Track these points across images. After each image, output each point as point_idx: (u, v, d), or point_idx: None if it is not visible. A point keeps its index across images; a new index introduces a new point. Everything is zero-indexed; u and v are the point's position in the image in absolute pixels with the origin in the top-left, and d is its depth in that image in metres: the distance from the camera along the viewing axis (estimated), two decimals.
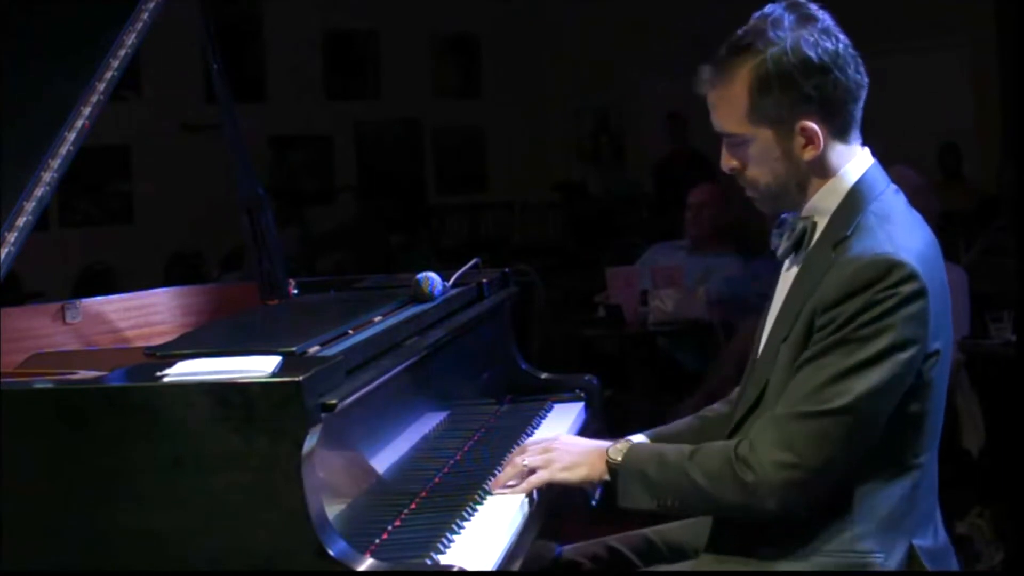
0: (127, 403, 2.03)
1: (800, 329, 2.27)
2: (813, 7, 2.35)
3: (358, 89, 12.59)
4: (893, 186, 2.39)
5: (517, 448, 2.61)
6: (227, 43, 3.08)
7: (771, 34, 2.29)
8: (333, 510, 2.08)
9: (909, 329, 2.20)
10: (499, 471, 2.51)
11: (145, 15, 2.68)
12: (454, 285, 3.02)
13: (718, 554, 2.37)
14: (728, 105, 2.34)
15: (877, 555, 2.26)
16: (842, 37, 2.33)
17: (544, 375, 3.38)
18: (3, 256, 2.34)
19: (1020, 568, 4.15)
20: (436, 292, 2.88)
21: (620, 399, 5.76)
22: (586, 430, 3.05)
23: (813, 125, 2.30)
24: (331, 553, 1.96)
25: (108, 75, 2.61)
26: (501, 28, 12.88)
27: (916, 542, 2.29)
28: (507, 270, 3.42)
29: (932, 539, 2.34)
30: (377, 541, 2.20)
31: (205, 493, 1.99)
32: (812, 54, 2.28)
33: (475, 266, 3.17)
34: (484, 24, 12.95)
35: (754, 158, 2.35)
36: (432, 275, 2.90)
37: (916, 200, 4.91)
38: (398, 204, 11.81)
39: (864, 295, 2.20)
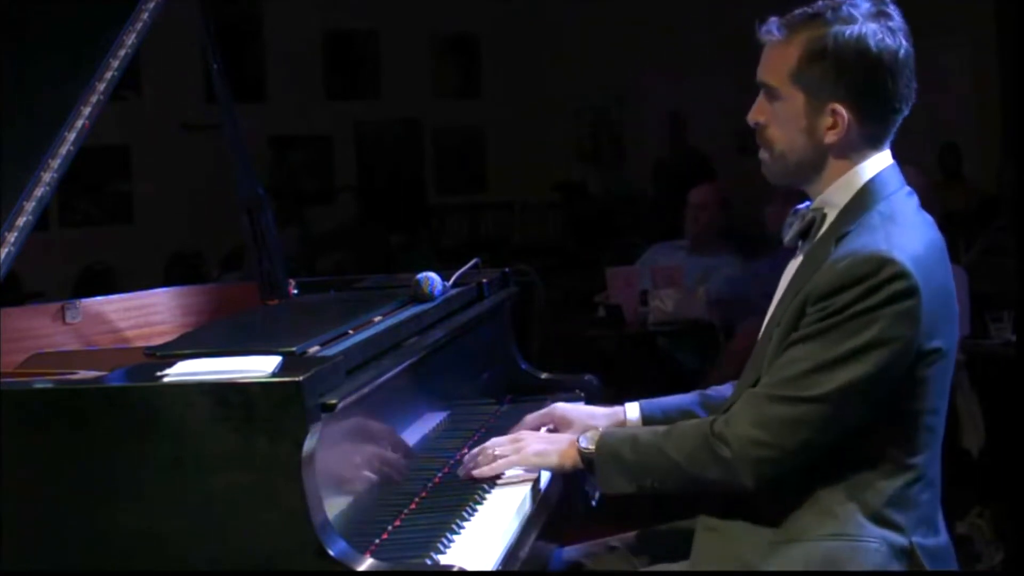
0: (127, 403, 2.03)
1: (791, 315, 2.32)
2: (892, 8, 2.37)
3: (358, 89, 12.59)
4: (907, 188, 2.41)
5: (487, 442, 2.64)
6: (227, 43, 3.07)
7: (844, 11, 2.33)
8: (333, 510, 2.08)
9: (897, 326, 2.23)
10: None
11: (145, 15, 2.68)
12: (454, 285, 3.01)
13: (715, 531, 2.39)
14: (778, 59, 2.37)
15: (871, 540, 2.28)
16: (906, 44, 2.35)
17: (544, 375, 3.38)
18: (3, 256, 2.34)
19: (1020, 568, 4.15)
20: (436, 292, 2.88)
21: (620, 399, 5.76)
22: None
23: (844, 111, 2.33)
24: (331, 553, 1.96)
25: (108, 75, 2.61)
26: (501, 28, 12.88)
27: (916, 540, 2.31)
28: (507, 270, 3.42)
29: (932, 538, 2.35)
30: (377, 541, 2.20)
31: (205, 493, 1.99)
32: (872, 46, 2.31)
33: (475, 266, 3.17)
34: (484, 24, 12.95)
35: (780, 118, 2.38)
36: (432, 275, 2.90)
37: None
38: (398, 204, 11.81)
39: (854, 289, 2.23)
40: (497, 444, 2.53)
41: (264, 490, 1.98)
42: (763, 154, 2.43)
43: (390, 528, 2.27)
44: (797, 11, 2.38)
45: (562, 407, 2.74)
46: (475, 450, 2.54)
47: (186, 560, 1.99)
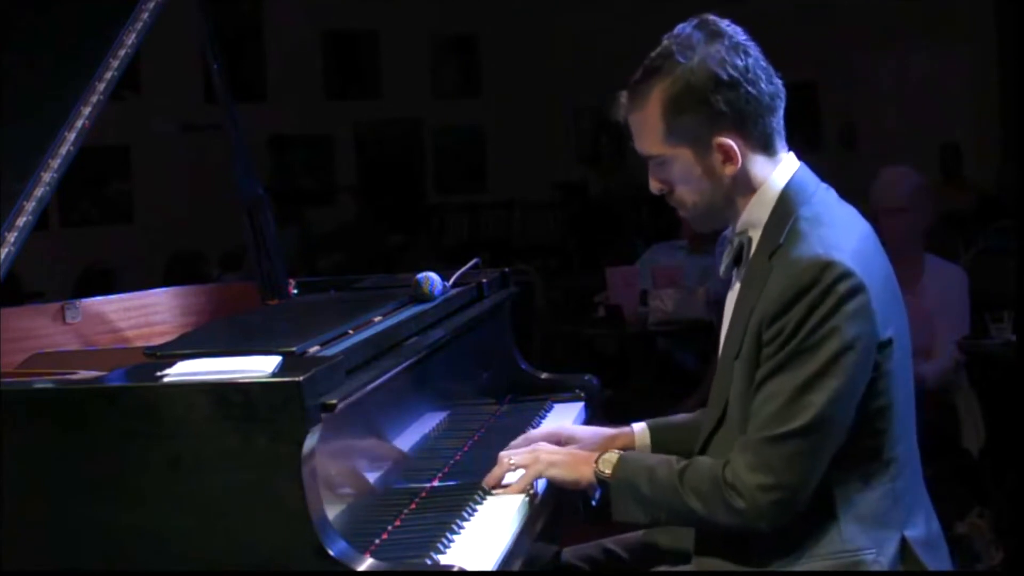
0: (127, 403, 2.03)
1: (749, 344, 2.30)
2: (723, 23, 2.36)
3: (358, 89, 12.61)
4: (824, 185, 2.41)
5: (507, 447, 2.63)
6: (227, 43, 3.07)
7: (679, 56, 2.32)
8: (333, 510, 2.08)
9: (854, 327, 2.22)
10: None
11: (145, 15, 2.69)
12: (454, 285, 3.01)
13: (707, 559, 2.39)
14: (645, 128, 2.37)
15: (868, 552, 2.27)
16: (753, 51, 2.34)
17: (544, 375, 3.38)
18: (3, 256, 2.34)
19: (1020, 568, 4.15)
20: (436, 292, 2.88)
21: (620, 399, 5.77)
22: None
23: (729, 141, 2.32)
24: (331, 553, 1.96)
25: (108, 75, 2.61)
26: (501, 28, 12.89)
27: (907, 533, 2.31)
28: (507, 270, 3.42)
29: (923, 529, 2.35)
30: (377, 541, 2.20)
31: (205, 493, 1.99)
32: (720, 71, 2.30)
33: (475, 266, 3.17)
34: (484, 24, 12.96)
35: (678, 178, 2.38)
36: (432, 275, 2.90)
37: (916, 200, 4.92)
38: (398, 204, 11.82)
39: (803, 301, 2.22)
40: (513, 454, 2.51)
41: (264, 490, 1.98)
42: (682, 213, 2.45)
43: (390, 528, 2.27)
44: (638, 72, 2.37)
45: (570, 428, 2.72)
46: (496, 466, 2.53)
47: (186, 560, 1.99)
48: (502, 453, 2.53)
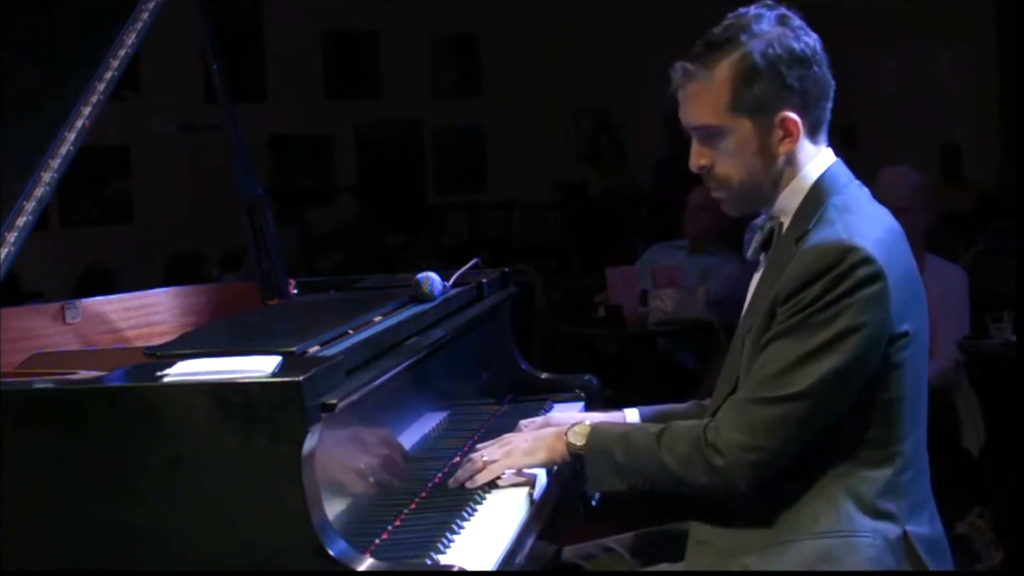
0: (127, 403, 2.03)
1: (762, 318, 2.32)
2: (787, 10, 2.40)
3: (358, 89, 12.61)
4: (857, 181, 2.44)
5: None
6: (227, 43, 3.07)
7: (755, 27, 2.35)
8: (333, 510, 2.08)
9: (866, 312, 2.24)
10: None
11: (145, 15, 2.69)
12: (454, 285, 3.02)
13: (706, 543, 2.39)
14: (707, 96, 2.37)
15: (864, 535, 2.28)
16: (816, 36, 2.39)
17: (544, 375, 3.38)
18: (3, 256, 2.34)
19: (1020, 568, 4.15)
20: (436, 292, 2.89)
21: (620, 399, 5.77)
22: None
23: (794, 116, 2.35)
24: (331, 553, 1.96)
25: (108, 75, 2.61)
26: (501, 28, 12.89)
27: (910, 529, 2.31)
28: (507, 270, 3.42)
29: (928, 528, 2.35)
30: (377, 541, 2.20)
31: (205, 493, 1.99)
32: (796, 46, 2.34)
33: (475, 266, 3.17)
34: (484, 24, 12.96)
35: (728, 152, 2.38)
36: (432, 275, 2.90)
37: (916, 200, 4.92)
38: (398, 204, 11.82)
39: (821, 281, 2.24)
40: (484, 450, 2.52)
41: (264, 490, 1.98)
42: (719, 192, 2.44)
43: (390, 528, 2.27)
44: (700, 45, 2.38)
45: (558, 417, 2.74)
46: (465, 460, 2.53)
47: (186, 560, 1.99)
48: (473, 455, 2.53)
